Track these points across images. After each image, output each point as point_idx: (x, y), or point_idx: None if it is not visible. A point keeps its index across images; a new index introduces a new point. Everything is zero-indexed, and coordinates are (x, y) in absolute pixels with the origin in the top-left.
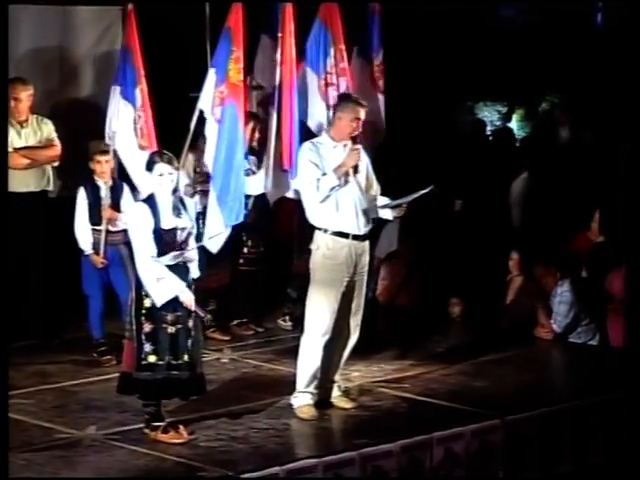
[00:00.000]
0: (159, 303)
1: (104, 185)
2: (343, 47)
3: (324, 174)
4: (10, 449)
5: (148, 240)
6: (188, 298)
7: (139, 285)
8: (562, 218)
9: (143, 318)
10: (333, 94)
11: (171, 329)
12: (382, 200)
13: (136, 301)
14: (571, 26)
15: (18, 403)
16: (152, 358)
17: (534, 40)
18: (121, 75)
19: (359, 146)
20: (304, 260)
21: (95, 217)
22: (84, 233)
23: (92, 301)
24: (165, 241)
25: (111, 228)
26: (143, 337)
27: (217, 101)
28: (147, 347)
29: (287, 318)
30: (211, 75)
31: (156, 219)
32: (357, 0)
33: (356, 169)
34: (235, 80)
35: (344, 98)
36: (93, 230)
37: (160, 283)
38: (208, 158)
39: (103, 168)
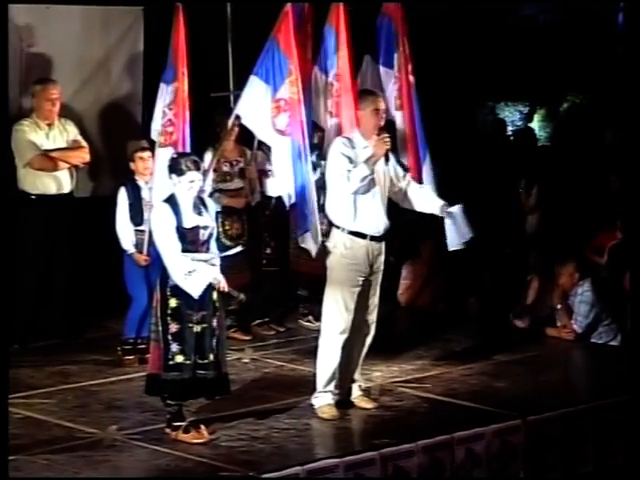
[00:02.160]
0: (196, 294)
1: (145, 185)
2: (344, 53)
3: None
4: (31, 448)
5: (173, 237)
6: (220, 281)
7: (164, 285)
8: (582, 217)
9: (169, 318)
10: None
11: (197, 328)
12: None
13: (161, 302)
14: (592, 25)
15: (39, 403)
16: (179, 358)
17: (555, 39)
18: (166, 73)
19: (386, 135)
20: (312, 258)
21: (138, 217)
22: (126, 232)
23: (135, 301)
24: (188, 239)
25: None
26: (170, 337)
27: (274, 112)
28: (174, 347)
29: (311, 318)
30: (255, 84)
31: (178, 218)
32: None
33: (387, 158)
34: (290, 93)
35: (360, 94)
36: (136, 231)
37: (192, 275)
38: (278, 170)
39: (146, 164)
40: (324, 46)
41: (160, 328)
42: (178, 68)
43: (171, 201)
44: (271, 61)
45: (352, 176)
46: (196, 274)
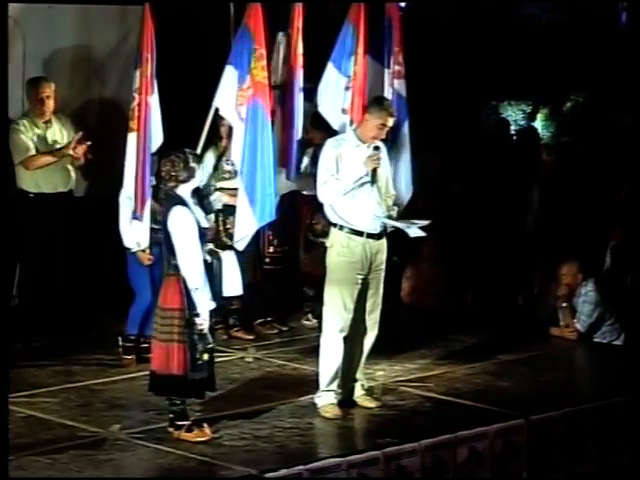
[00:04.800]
0: (207, 307)
1: None
2: (361, 51)
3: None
4: (35, 447)
5: (198, 243)
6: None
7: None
8: (585, 217)
9: (196, 319)
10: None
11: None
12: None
13: (189, 304)
14: (595, 25)
15: (43, 402)
16: (205, 356)
17: (558, 39)
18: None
19: (379, 152)
20: (312, 258)
21: None
22: (129, 231)
23: (139, 297)
24: (206, 239)
25: (154, 226)
26: (196, 337)
27: (240, 100)
28: (200, 346)
29: (310, 316)
30: (230, 73)
31: (197, 220)
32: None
33: (374, 172)
34: (260, 78)
35: (375, 101)
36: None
37: (202, 290)
38: (235, 157)
39: None
40: (340, 43)
41: (187, 330)
42: (142, 54)
43: (184, 203)
44: (241, 47)
45: (330, 187)
46: (203, 291)
